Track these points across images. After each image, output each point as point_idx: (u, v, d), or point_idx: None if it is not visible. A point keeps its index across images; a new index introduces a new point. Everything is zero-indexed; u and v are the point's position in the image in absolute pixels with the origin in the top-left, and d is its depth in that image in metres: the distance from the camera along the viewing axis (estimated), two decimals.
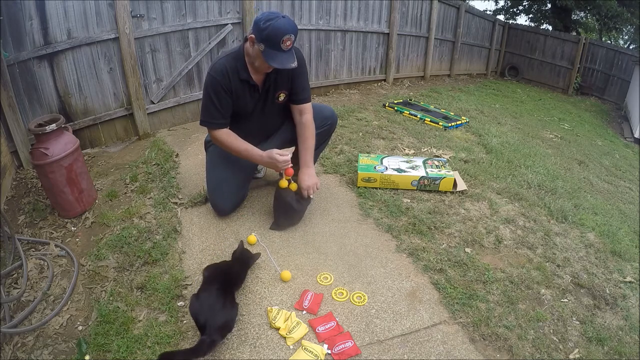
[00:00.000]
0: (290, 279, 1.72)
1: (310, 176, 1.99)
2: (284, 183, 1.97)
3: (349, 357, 1.39)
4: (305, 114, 2.02)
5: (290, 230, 2.05)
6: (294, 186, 1.98)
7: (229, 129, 1.94)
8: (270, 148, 2.25)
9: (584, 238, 2.25)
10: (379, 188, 2.46)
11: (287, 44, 1.70)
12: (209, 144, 2.14)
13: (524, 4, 12.96)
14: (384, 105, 4.49)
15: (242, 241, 1.78)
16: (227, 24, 3.59)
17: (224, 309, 1.40)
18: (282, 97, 1.99)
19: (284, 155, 1.89)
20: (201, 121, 1.93)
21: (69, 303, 1.63)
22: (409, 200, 2.37)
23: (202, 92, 1.96)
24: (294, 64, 1.75)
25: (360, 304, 1.62)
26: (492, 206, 2.41)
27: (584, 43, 9.12)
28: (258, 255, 1.75)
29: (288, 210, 2.00)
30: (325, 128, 2.20)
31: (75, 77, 2.77)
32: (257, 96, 1.94)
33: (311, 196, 2.01)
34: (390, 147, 3.22)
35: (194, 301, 1.42)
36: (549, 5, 12.03)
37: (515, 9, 13.26)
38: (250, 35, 1.74)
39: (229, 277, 1.56)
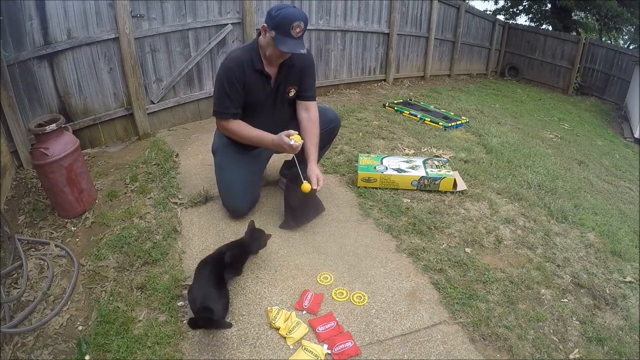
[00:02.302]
0: (290, 281, 1.73)
1: (318, 168, 2.02)
2: (306, 187, 1.90)
3: (349, 357, 1.39)
4: (312, 111, 2.08)
5: (290, 230, 2.04)
6: (306, 187, 1.92)
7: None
8: None
9: (584, 238, 2.25)
10: (379, 188, 2.46)
11: (297, 30, 1.76)
12: (218, 151, 2.12)
13: (523, 4, 12.96)
14: (384, 105, 4.49)
15: (252, 221, 1.80)
16: (227, 24, 3.59)
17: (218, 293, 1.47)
18: (292, 92, 2.05)
19: (295, 141, 1.86)
20: (214, 111, 1.97)
21: (69, 303, 1.63)
22: (409, 200, 2.37)
23: (213, 83, 2.03)
24: (303, 50, 1.81)
25: (360, 304, 1.62)
26: (492, 206, 2.41)
27: (584, 43, 9.12)
28: (269, 236, 1.80)
29: (297, 209, 2.02)
30: (329, 130, 2.21)
31: (75, 77, 2.77)
32: (269, 89, 1.98)
33: (319, 186, 1.97)
34: (390, 147, 3.22)
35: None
36: (549, 5, 12.04)
37: (515, 9, 13.26)
38: (263, 24, 1.81)
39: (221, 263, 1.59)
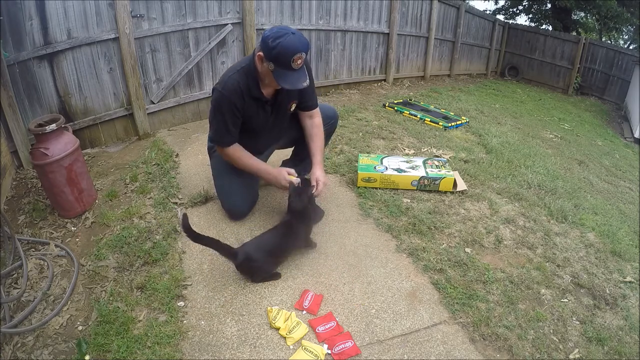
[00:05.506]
0: (290, 280, 1.72)
1: (322, 172, 2.00)
2: None
3: (349, 357, 1.39)
4: (315, 117, 2.06)
5: None
6: None
7: (240, 141, 1.93)
8: (274, 149, 2.26)
9: (584, 238, 2.25)
10: (379, 188, 2.46)
11: (298, 62, 1.63)
12: (214, 150, 2.11)
13: (523, 4, 12.97)
14: (384, 105, 4.49)
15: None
16: (227, 24, 3.59)
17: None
18: (293, 106, 2.00)
19: (293, 177, 1.87)
20: (211, 139, 1.97)
21: (69, 303, 1.63)
22: (409, 200, 2.37)
23: (209, 103, 1.90)
24: (306, 83, 1.70)
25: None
26: (492, 206, 2.41)
27: (584, 43, 9.12)
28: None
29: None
30: (328, 127, 2.22)
31: (75, 77, 2.77)
32: (269, 110, 1.92)
33: (320, 191, 1.96)
34: (390, 147, 3.22)
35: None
36: (549, 5, 12.04)
37: (515, 9, 13.27)
38: (259, 52, 1.67)
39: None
